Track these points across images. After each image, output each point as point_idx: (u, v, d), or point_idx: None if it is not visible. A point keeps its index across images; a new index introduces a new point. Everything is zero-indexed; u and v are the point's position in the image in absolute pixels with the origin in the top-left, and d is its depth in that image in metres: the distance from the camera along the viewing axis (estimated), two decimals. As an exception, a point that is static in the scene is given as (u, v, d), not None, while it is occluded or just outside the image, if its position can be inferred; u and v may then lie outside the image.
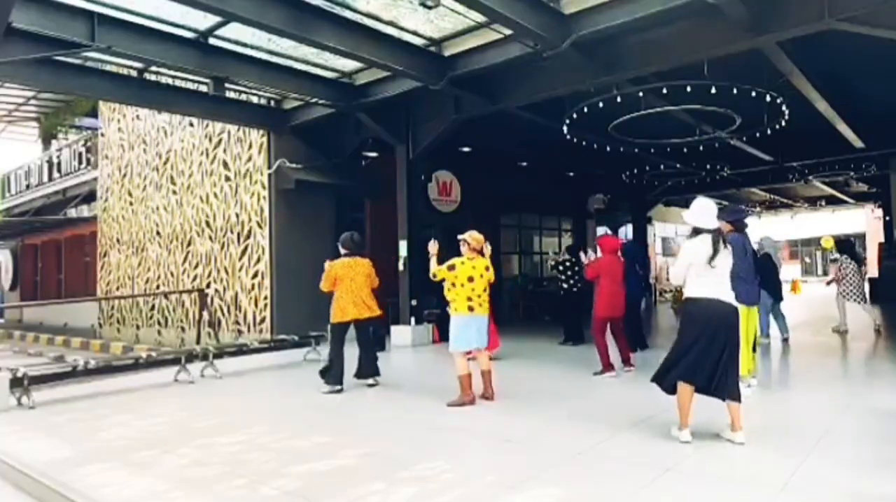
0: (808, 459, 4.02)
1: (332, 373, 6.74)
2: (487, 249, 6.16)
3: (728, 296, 4.43)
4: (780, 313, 9.60)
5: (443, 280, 6.03)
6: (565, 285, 9.95)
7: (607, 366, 7.08)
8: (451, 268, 5.98)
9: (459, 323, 5.95)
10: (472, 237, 6.08)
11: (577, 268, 9.72)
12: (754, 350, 6.41)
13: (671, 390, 4.47)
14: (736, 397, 4.35)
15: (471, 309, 5.92)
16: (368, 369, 6.97)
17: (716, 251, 4.36)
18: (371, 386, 6.88)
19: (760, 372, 7.79)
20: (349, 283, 6.79)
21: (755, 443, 4.43)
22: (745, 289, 6.08)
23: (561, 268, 10.03)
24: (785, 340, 9.41)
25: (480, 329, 5.99)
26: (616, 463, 4.09)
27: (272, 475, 4.04)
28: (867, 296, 10.46)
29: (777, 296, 9.45)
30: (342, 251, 6.99)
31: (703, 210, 4.53)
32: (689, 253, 4.48)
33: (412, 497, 3.60)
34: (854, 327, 10.32)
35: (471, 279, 5.93)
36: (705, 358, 4.31)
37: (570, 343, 9.77)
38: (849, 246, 10.72)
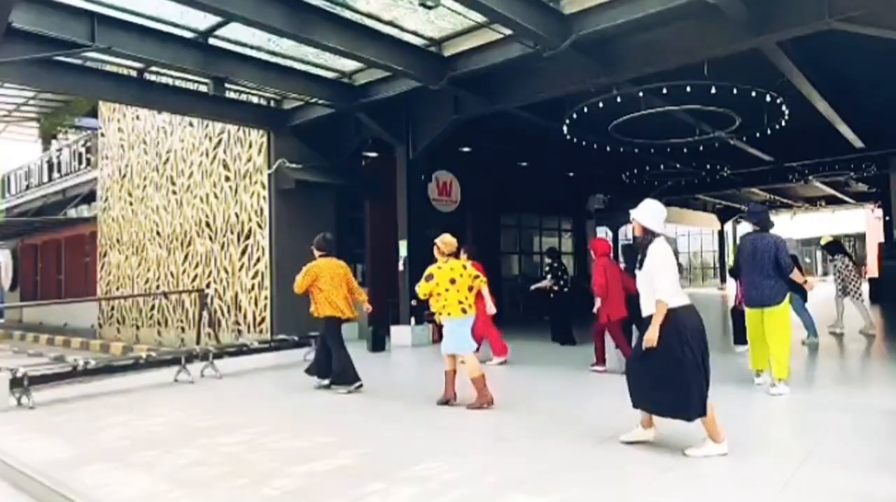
0: (808, 459, 4.01)
1: (345, 375, 6.67)
2: (463, 256, 6.08)
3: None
4: (807, 312, 9.21)
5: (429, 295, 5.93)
6: (556, 287, 10.02)
7: (601, 361, 7.44)
8: (430, 278, 5.87)
9: (458, 326, 5.82)
10: (442, 242, 6.01)
11: (559, 271, 9.99)
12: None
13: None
14: None
15: (464, 310, 5.82)
16: (326, 370, 6.89)
17: (677, 256, 4.27)
18: (324, 386, 6.82)
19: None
20: (330, 281, 6.73)
21: (756, 443, 4.43)
22: (760, 289, 5.97)
23: (547, 270, 10.18)
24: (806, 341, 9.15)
25: (468, 331, 5.94)
26: (617, 463, 4.08)
27: (273, 475, 4.04)
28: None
29: (804, 295, 8.99)
30: (318, 253, 6.96)
31: (657, 212, 4.30)
32: (670, 257, 4.17)
33: (412, 497, 3.60)
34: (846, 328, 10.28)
35: (453, 281, 5.83)
36: (708, 365, 4.15)
37: (558, 343, 9.89)
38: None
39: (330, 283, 6.71)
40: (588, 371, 7.43)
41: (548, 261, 10.34)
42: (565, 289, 9.95)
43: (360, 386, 6.65)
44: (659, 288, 4.07)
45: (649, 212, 4.28)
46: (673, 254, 4.20)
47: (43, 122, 22.21)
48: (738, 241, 6.45)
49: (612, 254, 7.72)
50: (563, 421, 5.20)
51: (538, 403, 6.03)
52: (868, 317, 9.93)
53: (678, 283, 4.21)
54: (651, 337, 4.05)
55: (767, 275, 5.90)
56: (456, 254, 6.11)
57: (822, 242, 10.64)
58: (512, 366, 8.18)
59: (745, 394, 5.97)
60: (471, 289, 5.92)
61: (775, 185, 21.19)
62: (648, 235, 4.24)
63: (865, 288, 10.50)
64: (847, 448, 4.33)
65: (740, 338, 8.31)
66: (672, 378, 4.04)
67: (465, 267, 5.98)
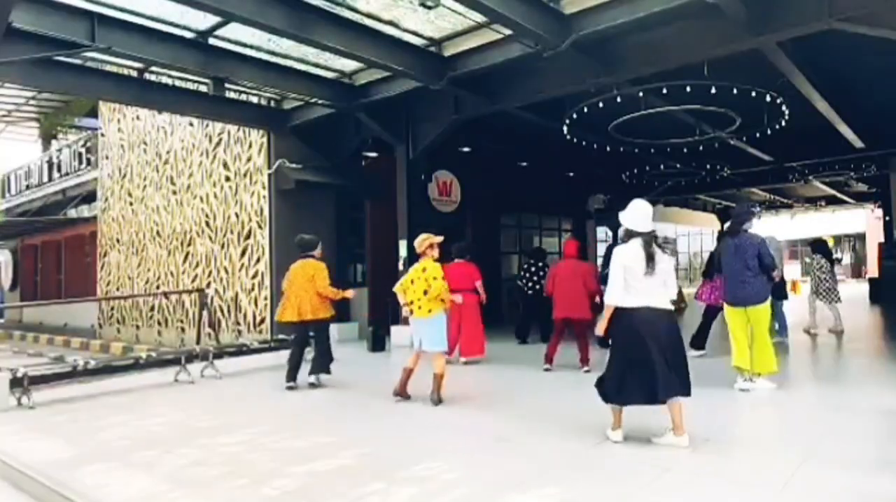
0: (808, 459, 4.01)
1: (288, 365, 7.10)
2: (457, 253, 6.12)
3: (661, 302, 4.29)
4: (781, 312, 9.46)
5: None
6: (528, 288, 10.36)
7: (547, 360, 7.63)
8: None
9: (414, 324, 6.16)
10: (416, 241, 6.23)
11: (528, 271, 10.39)
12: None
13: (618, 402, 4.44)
14: (687, 392, 4.28)
15: (411, 312, 6.06)
16: (315, 368, 7.16)
17: (650, 257, 4.21)
18: (312, 384, 7.02)
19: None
20: (294, 285, 7.04)
21: (755, 443, 4.43)
22: (743, 288, 6.10)
23: (523, 271, 10.47)
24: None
25: (419, 331, 6.07)
26: (615, 464, 4.09)
27: (273, 475, 4.04)
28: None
29: (779, 295, 9.11)
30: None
31: (639, 212, 4.40)
32: (621, 258, 4.25)
33: (412, 497, 3.60)
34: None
35: (413, 282, 6.06)
36: (643, 369, 4.20)
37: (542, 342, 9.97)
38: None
39: (292, 288, 7.03)
40: (584, 371, 7.40)
41: (530, 261, 10.57)
42: (530, 293, 10.26)
43: (290, 387, 6.94)
44: (607, 290, 4.37)
45: (630, 213, 4.45)
46: (637, 256, 4.25)
47: (43, 122, 22.21)
48: (719, 242, 6.72)
49: (578, 256, 8.03)
50: (563, 420, 5.20)
51: (537, 403, 6.03)
52: (818, 318, 10.04)
53: (643, 283, 4.22)
54: (598, 327, 4.51)
55: (755, 273, 6.04)
56: (441, 255, 6.28)
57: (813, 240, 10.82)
58: (511, 365, 8.18)
59: (743, 395, 5.98)
60: (426, 292, 5.95)
61: (775, 185, 21.16)
62: (627, 236, 4.42)
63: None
64: (847, 448, 4.32)
65: (700, 341, 8.27)
66: (634, 368, 4.27)
67: (424, 269, 6.03)
